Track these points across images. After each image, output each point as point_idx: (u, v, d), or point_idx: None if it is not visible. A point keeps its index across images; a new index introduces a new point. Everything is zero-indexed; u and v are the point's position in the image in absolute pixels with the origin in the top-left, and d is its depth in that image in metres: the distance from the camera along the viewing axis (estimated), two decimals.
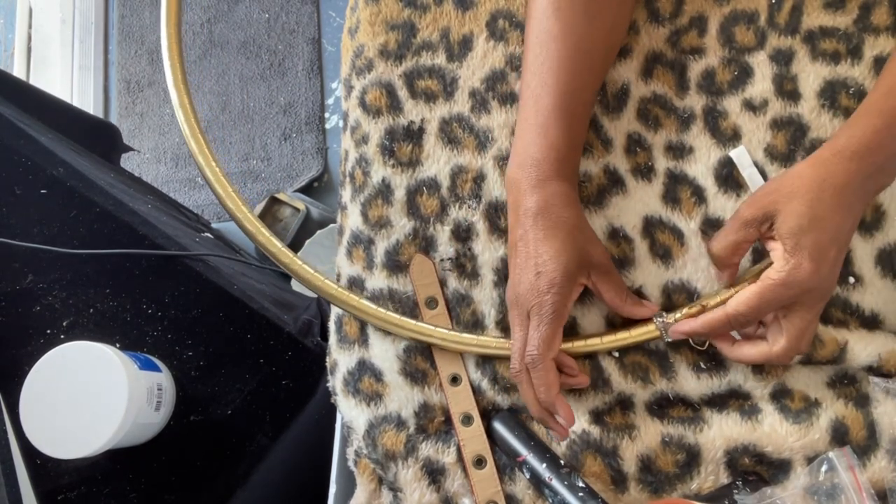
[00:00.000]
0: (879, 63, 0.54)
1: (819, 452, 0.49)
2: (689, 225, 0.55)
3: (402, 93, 0.60)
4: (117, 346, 0.70)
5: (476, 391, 0.54)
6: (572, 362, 0.52)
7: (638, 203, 0.56)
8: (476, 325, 0.56)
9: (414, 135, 0.59)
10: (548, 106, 0.51)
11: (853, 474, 0.47)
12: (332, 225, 1.40)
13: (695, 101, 0.57)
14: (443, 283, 0.57)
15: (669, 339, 0.51)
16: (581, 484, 0.49)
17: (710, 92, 0.57)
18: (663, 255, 0.54)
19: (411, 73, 0.61)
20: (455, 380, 0.55)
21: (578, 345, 0.53)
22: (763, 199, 0.47)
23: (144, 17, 1.79)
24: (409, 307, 0.56)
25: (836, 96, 0.54)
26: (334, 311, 0.58)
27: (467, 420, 0.54)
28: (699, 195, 0.55)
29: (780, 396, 0.52)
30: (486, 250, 0.56)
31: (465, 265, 0.57)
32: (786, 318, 0.47)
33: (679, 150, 0.56)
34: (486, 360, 0.55)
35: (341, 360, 0.57)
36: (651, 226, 0.55)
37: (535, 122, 0.52)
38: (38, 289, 0.75)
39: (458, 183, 0.58)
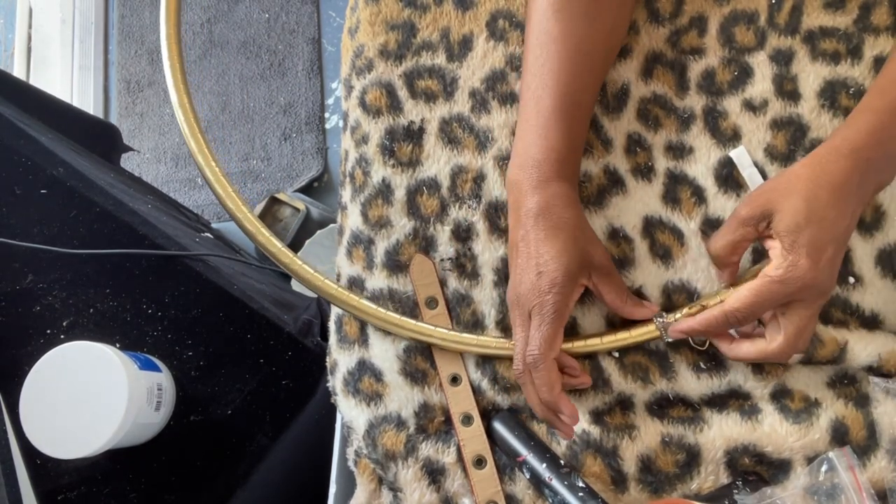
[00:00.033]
0: (879, 63, 0.54)
1: (819, 452, 0.49)
2: (689, 225, 0.55)
3: (402, 93, 0.60)
4: (117, 346, 0.70)
5: (476, 391, 0.54)
6: (574, 362, 0.52)
7: (638, 203, 0.56)
8: (476, 325, 0.56)
9: (414, 135, 0.59)
10: (548, 107, 0.52)
11: (853, 474, 0.47)
12: (332, 225, 1.40)
13: (695, 102, 0.57)
14: (443, 283, 0.57)
15: (669, 339, 0.51)
16: (581, 484, 0.49)
17: (710, 92, 0.57)
18: (663, 255, 0.54)
19: (411, 73, 0.61)
20: (455, 380, 0.55)
21: (578, 345, 0.53)
22: (760, 198, 0.47)
23: (144, 17, 1.79)
24: (409, 307, 0.56)
25: (836, 96, 0.54)
26: (334, 311, 0.58)
27: (467, 420, 0.54)
28: (699, 195, 0.55)
29: (780, 396, 0.52)
30: (487, 250, 0.56)
31: (465, 265, 0.57)
32: (784, 315, 0.47)
33: (679, 151, 0.56)
34: (486, 360, 0.55)
35: (341, 360, 0.57)
36: (651, 226, 0.55)
37: (536, 123, 0.52)
38: (38, 289, 0.75)
39: (458, 183, 0.58)
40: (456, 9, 0.62)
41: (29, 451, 0.66)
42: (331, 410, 0.58)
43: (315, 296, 0.80)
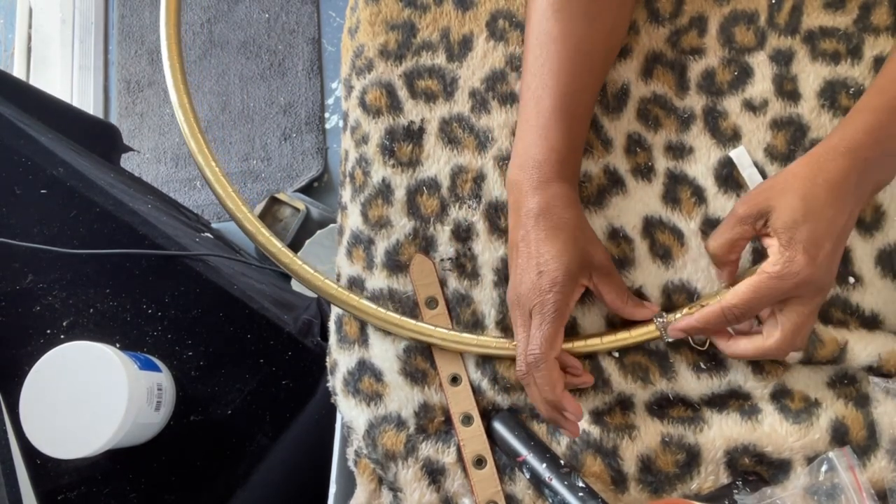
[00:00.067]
0: (879, 63, 0.54)
1: (819, 452, 0.49)
2: (689, 225, 0.55)
3: (402, 93, 0.60)
4: (117, 346, 0.70)
5: (476, 391, 0.54)
6: (576, 362, 0.52)
7: (638, 203, 0.56)
8: (476, 325, 0.56)
9: (414, 135, 0.59)
10: (548, 108, 0.52)
11: (853, 474, 0.47)
12: (332, 225, 1.40)
13: (695, 102, 0.57)
14: (443, 283, 0.57)
15: (669, 339, 0.51)
16: (581, 484, 0.49)
17: (710, 92, 0.57)
18: (663, 255, 0.54)
19: (411, 73, 0.61)
20: (455, 380, 0.55)
21: (578, 345, 0.53)
22: (758, 197, 0.47)
23: (144, 17, 1.79)
24: (409, 307, 0.56)
25: (836, 96, 0.54)
26: (334, 311, 0.58)
27: (467, 420, 0.54)
28: (699, 195, 0.55)
29: (780, 396, 0.52)
30: (487, 250, 0.56)
31: (465, 265, 0.57)
32: (781, 312, 0.47)
33: (679, 151, 0.56)
34: (486, 360, 0.55)
35: (341, 360, 0.57)
36: (651, 226, 0.55)
37: (536, 123, 0.52)
38: (38, 289, 0.75)
39: (458, 183, 0.58)
40: (456, 9, 0.62)
41: (29, 451, 0.66)
42: (331, 410, 0.58)
43: (315, 296, 0.80)
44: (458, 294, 0.56)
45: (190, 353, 0.73)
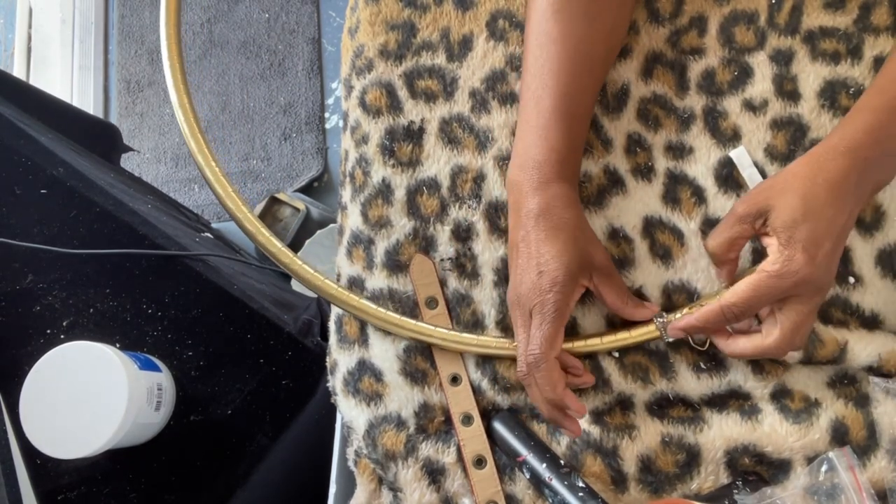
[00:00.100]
0: (879, 63, 0.54)
1: (819, 452, 0.49)
2: (689, 225, 0.55)
3: (402, 93, 0.60)
4: (117, 346, 0.70)
5: (476, 391, 0.54)
6: (578, 362, 0.52)
7: (638, 203, 0.56)
8: (476, 325, 0.56)
9: (414, 135, 0.59)
10: (548, 108, 0.52)
11: (853, 474, 0.47)
12: (332, 225, 1.40)
13: (695, 102, 0.57)
14: (443, 283, 0.57)
15: (669, 339, 0.51)
16: (581, 484, 0.49)
17: (710, 92, 0.57)
18: (663, 255, 0.54)
19: (411, 73, 0.61)
20: (455, 380, 0.55)
21: (578, 345, 0.53)
22: (757, 196, 0.48)
23: (144, 17, 1.79)
24: (409, 307, 0.56)
25: (836, 96, 0.54)
26: (334, 311, 0.58)
27: (467, 420, 0.54)
28: (699, 195, 0.55)
29: (780, 396, 0.52)
30: (487, 250, 0.56)
31: (465, 265, 0.57)
32: (780, 311, 0.47)
33: (679, 151, 0.56)
34: (486, 360, 0.55)
35: (341, 360, 0.57)
36: (651, 226, 0.55)
37: (536, 124, 0.52)
38: (38, 289, 0.75)
39: (458, 183, 0.58)
40: (456, 9, 0.62)
41: (29, 451, 0.66)
42: (331, 410, 0.58)
43: (315, 296, 0.80)
44: (458, 294, 0.56)
45: (190, 353, 0.73)
